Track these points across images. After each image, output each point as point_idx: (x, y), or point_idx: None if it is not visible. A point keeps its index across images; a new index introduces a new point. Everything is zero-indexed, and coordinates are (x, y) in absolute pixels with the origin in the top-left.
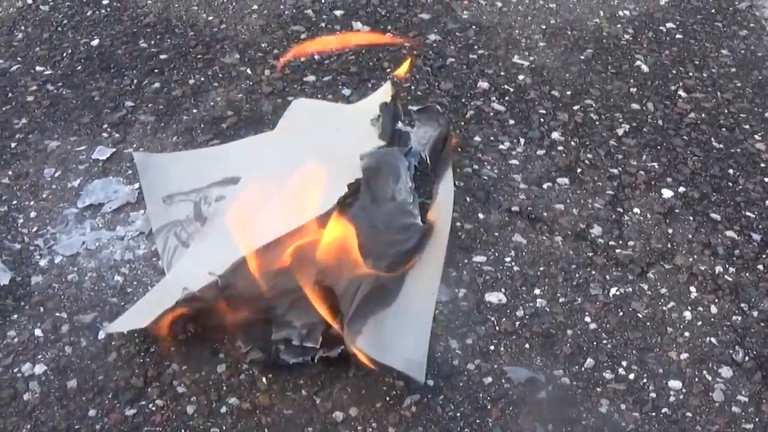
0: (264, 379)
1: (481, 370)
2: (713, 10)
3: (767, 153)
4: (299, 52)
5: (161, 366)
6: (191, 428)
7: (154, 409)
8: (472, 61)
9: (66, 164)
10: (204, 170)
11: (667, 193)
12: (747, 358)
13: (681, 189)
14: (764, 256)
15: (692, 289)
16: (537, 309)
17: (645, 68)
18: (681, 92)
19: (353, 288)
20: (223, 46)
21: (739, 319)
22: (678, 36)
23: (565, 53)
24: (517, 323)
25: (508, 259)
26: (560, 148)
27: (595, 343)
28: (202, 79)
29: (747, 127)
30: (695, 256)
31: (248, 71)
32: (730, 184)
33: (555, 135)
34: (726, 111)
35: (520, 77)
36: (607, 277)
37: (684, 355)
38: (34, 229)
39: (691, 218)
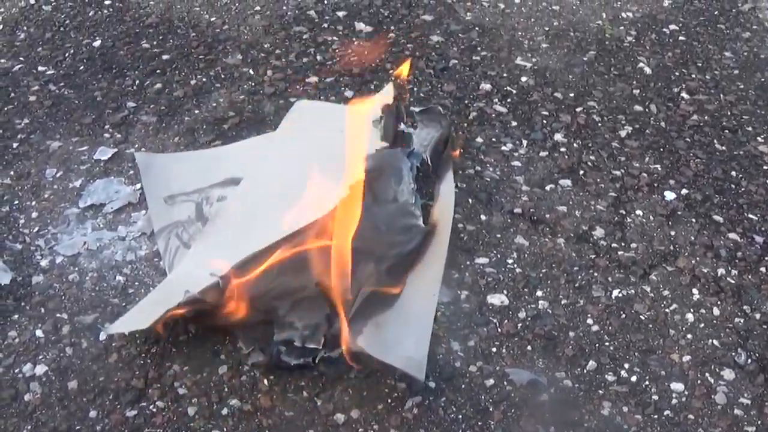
0: (265, 381)
1: (482, 372)
2: (716, 12)
3: None
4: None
5: (162, 367)
6: (192, 430)
7: (154, 410)
8: (474, 63)
9: (68, 164)
10: (206, 171)
11: (669, 195)
12: (749, 360)
13: (684, 191)
14: (767, 258)
15: (695, 291)
16: (539, 311)
17: (648, 70)
18: (684, 94)
19: (354, 290)
20: (226, 47)
21: (742, 321)
22: (681, 38)
23: (568, 55)
24: (519, 325)
25: (510, 261)
26: (563, 149)
27: (597, 345)
28: (204, 79)
29: (750, 129)
30: (698, 259)
31: (250, 72)
32: (733, 186)
33: (557, 137)
34: (729, 113)
35: (523, 79)
36: (610, 279)
37: (686, 358)
38: (36, 229)
39: (693, 220)
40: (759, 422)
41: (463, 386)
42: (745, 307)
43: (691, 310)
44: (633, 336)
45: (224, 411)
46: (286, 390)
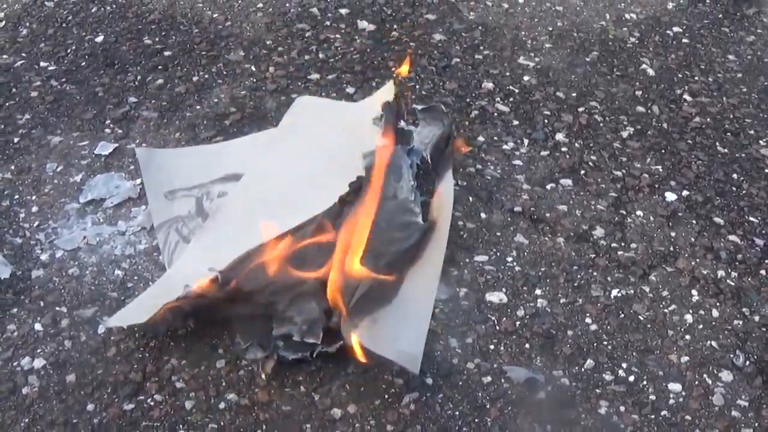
0: (263, 375)
1: (480, 369)
2: (720, 15)
3: None
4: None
5: (160, 361)
6: (189, 423)
7: (152, 404)
8: (477, 62)
9: (68, 159)
10: (206, 166)
11: (670, 197)
12: (747, 362)
13: (685, 193)
14: (767, 261)
15: (694, 292)
16: (538, 309)
17: (651, 72)
18: (686, 96)
19: (352, 287)
20: (228, 44)
21: (741, 323)
22: (684, 40)
23: (571, 55)
24: (518, 323)
25: (509, 259)
26: (564, 149)
27: (595, 344)
28: (206, 75)
29: (752, 132)
30: (698, 260)
31: (252, 68)
32: (734, 188)
33: (559, 136)
34: (731, 116)
35: (525, 78)
36: (609, 278)
37: (684, 358)
38: (36, 223)
39: (694, 222)
40: (756, 424)
41: (460, 383)
42: (744, 309)
43: (690, 311)
44: (631, 336)
45: (221, 405)
46: (284, 385)
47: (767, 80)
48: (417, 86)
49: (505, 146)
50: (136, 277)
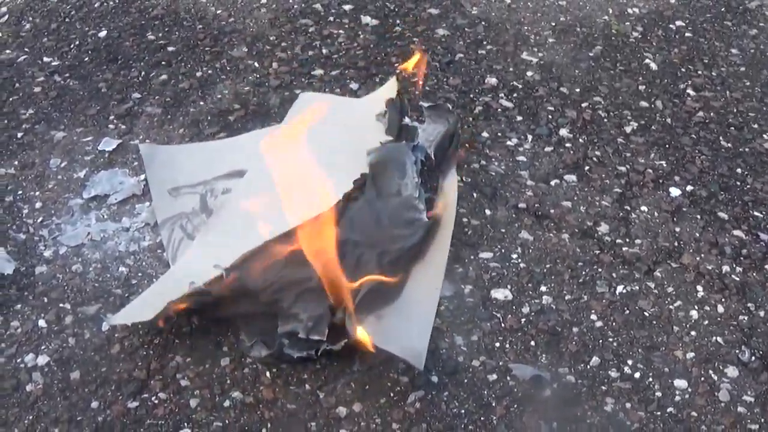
0: (267, 374)
1: (486, 367)
2: (723, 9)
3: None
4: None
5: (164, 358)
6: (194, 421)
7: (156, 401)
8: (480, 57)
9: (72, 155)
10: (210, 163)
11: (674, 192)
12: (753, 358)
13: (689, 188)
14: None
15: (699, 288)
16: (543, 306)
17: (654, 66)
18: (690, 91)
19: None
20: (231, 39)
21: (746, 318)
22: (687, 34)
23: (574, 50)
24: (523, 320)
25: (514, 256)
26: (568, 145)
27: (600, 341)
28: (210, 71)
29: (756, 126)
30: (702, 255)
31: (256, 64)
32: (738, 183)
33: (563, 132)
34: (735, 110)
35: (529, 74)
36: (614, 275)
37: (690, 355)
38: (39, 219)
39: (698, 217)
40: (762, 420)
41: (465, 381)
42: (749, 304)
43: (696, 307)
44: (637, 332)
45: (226, 403)
46: (289, 383)
47: None
48: (420, 82)
49: (508, 142)
50: (140, 274)
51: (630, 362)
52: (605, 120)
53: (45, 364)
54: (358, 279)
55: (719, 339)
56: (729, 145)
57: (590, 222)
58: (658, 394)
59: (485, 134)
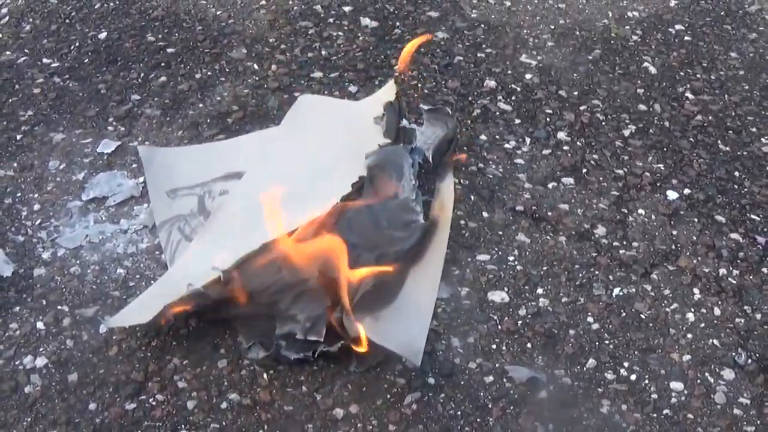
0: (265, 375)
1: (482, 368)
2: (722, 13)
3: None
4: None
5: (162, 361)
6: (191, 423)
7: (154, 403)
8: (479, 60)
9: (71, 157)
10: (209, 165)
11: (672, 195)
12: (749, 360)
13: (686, 191)
14: None
15: (696, 290)
16: (539, 308)
17: (653, 70)
18: (688, 94)
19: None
20: (231, 41)
21: (742, 321)
22: (686, 38)
23: (573, 53)
24: (520, 322)
25: (511, 258)
26: (566, 148)
27: (597, 343)
28: (209, 73)
29: (754, 130)
30: (699, 258)
31: (255, 66)
32: (736, 186)
33: (561, 135)
34: (733, 114)
35: (528, 77)
36: (611, 277)
37: (686, 357)
38: (38, 221)
39: (695, 220)
40: (758, 422)
41: (462, 383)
42: (746, 307)
43: (692, 310)
44: (633, 335)
45: (223, 405)
46: (286, 384)
47: None
48: (419, 84)
49: (506, 145)
50: (138, 276)
51: (626, 364)
52: (603, 123)
53: (43, 366)
54: (356, 274)
55: (715, 341)
56: (727, 148)
57: (587, 225)
58: (655, 396)
59: (483, 137)
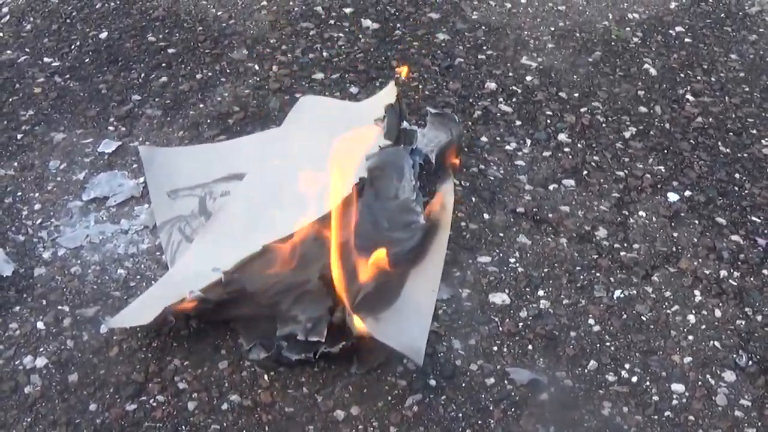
0: (266, 377)
1: (483, 370)
2: (723, 15)
3: None
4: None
5: (163, 361)
6: (192, 424)
7: (155, 404)
8: (480, 62)
9: (72, 157)
10: (209, 165)
11: (673, 197)
12: (750, 362)
13: (687, 193)
14: None
15: (696, 292)
16: (541, 310)
17: (653, 71)
18: (689, 96)
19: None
20: (232, 42)
21: (743, 323)
22: (687, 40)
23: (574, 55)
24: (521, 324)
25: (512, 260)
26: (566, 149)
27: (598, 345)
28: (210, 74)
29: (754, 131)
30: (700, 260)
31: (256, 67)
32: (737, 188)
33: (561, 137)
34: (733, 115)
35: (528, 78)
36: (612, 279)
37: (687, 359)
38: (39, 221)
39: (696, 222)
40: (759, 424)
41: (463, 385)
42: (746, 309)
43: (693, 312)
44: (634, 336)
45: (224, 406)
46: (287, 386)
47: None
48: (420, 86)
49: (507, 147)
50: (138, 277)
51: (627, 366)
52: (604, 125)
53: (43, 366)
54: (357, 284)
55: (716, 343)
56: (727, 150)
57: (588, 227)
58: (656, 398)
59: (484, 138)
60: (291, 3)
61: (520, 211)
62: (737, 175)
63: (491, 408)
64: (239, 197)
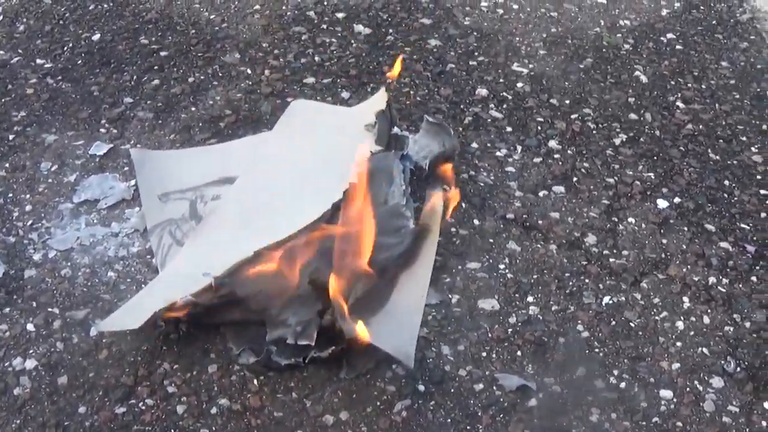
0: (255, 381)
1: (472, 376)
2: (714, 22)
3: (763, 165)
4: None
5: (152, 365)
6: (181, 428)
7: (144, 408)
8: (471, 68)
9: (63, 158)
10: (201, 169)
11: (662, 204)
12: (738, 368)
13: (676, 200)
14: (758, 267)
15: (685, 299)
16: (530, 316)
17: (644, 78)
18: (679, 103)
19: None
20: (224, 45)
21: (732, 329)
22: (678, 47)
23: (565, 62)
24: (510, 330)
25: (502, 266)
26: (557, 156)
27: (586, 351)
28: (202, 77)
29: (744, 139)
30: (689, 267)
31: (248, 71)
32: (726, 195)
33: (552, 143)
34: (723, 123)
35: (519, 85)
36: (601, 286)
37: (675, 365)
38: (29, 222)
39: (685, 229)
40: (747, 430)
41: (452, 390)
42: (735, 315)
43: (681, 318)
44: (623, 343)
45: (213, 410)
46: (276, 390)
47: (760, 87)
48: (412, 92)
49: (498, 153)
50: (128, 280)
51: (616, 373)
52: (594, 132)
53: (33, 368)
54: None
55: (705, 350)
56: (717, 157)
57: (578, 233)
58: (644, 404)
59: (475, 145)
60: (284, 7)
61: (510, 217)
62: (727, 182)
63: (480, 414)
64: (230, 201)
